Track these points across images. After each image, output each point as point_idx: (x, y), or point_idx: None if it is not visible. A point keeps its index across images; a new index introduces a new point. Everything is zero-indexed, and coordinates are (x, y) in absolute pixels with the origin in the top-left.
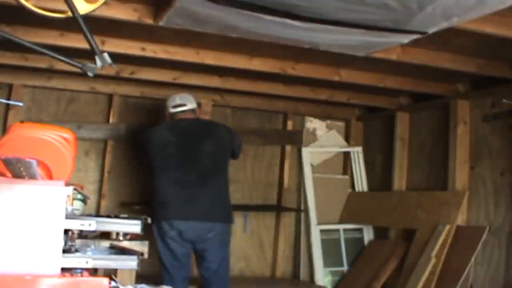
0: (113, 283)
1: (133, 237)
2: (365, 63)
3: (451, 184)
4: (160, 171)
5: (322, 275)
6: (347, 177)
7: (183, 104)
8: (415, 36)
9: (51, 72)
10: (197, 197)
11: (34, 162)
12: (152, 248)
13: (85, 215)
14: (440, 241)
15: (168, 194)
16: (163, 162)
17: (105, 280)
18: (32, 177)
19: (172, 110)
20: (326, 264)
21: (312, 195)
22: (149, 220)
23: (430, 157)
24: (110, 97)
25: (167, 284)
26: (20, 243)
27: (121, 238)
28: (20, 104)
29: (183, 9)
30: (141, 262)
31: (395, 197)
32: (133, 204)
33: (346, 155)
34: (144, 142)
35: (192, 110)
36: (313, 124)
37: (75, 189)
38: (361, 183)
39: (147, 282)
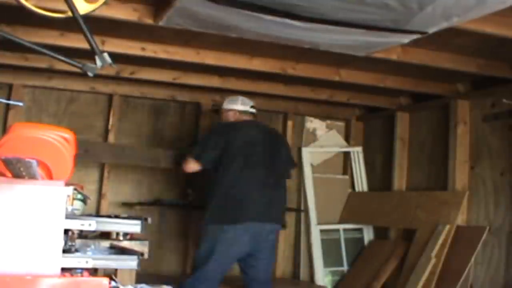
0: (113, 283)
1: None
2: (365, 63)
3: (451, 184)
4: (240, 169)
5: (322, 275)
6: (347, 177)
7: (255, 106)
8: (415, 36)
9: (51, 72)
10: (274, 199)
11: (34, 162)
12: (151, 248)
13: (85, 215)
14: (440, 241)
15: (248, 194)
16: (248, 159)
17: (105, 280)
18: (32, 177)
19: (248, 109)
20: (326, 264)
21: (312, 195)
22: (149, 220)
23: (430, 157)
24: (110, 97)
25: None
26: (20, 243)
27: (121, 238)
28: (20, 104)
29: (183, 9)
30: (141, 262)
31: (395, 197)
32: (136, 204)
33: (346, 155)
34: (227, 135)
35: (255, 116)
36: (313, 124)
37: (75, 189)
38: (361, 183)
39: (147, 282)
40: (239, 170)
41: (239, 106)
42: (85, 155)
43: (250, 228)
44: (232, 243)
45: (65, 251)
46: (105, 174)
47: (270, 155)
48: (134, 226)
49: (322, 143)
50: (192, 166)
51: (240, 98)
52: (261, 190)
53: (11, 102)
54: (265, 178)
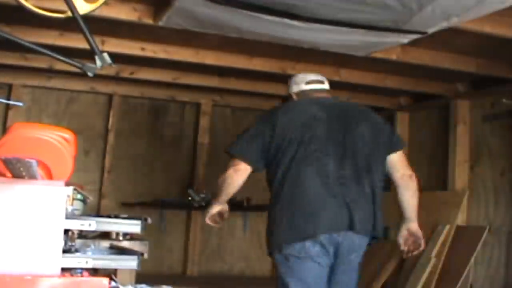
0: (113, 283)
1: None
2: (365, 63)
3: (451, 184)
4: (295, 164)
5: None
6: None
7: (321, 81)
8: (415, 36)
9: (51, 72)
10: (357, 199)
11: (34, 162)
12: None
13: (85, 215)
14: (440, 241)
15: (318, 195)
16: (309, 147)
17: (105, 280)
18: (32, 177)
19: (306, 87)
20: None
21: None
22: (149, 220)
23: (430, 157)
24: (110, 97)
25: None
26: (20, 243)
27: (121, 238)
28: (20, 104)
29: (183, 9)
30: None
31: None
32: (136, 204)
33: None
34: (274, 120)
35: (329, 91)
36: None
37: (75, 189)
38: None
39: (147, 282)
40: (293, 164)
41: (300, 84)
42: None
43: (326, 242)
44: (306, 261)
45: (65, 251)
46: (105, 174)
47: (346, 138)
48: (134, 226)
49: None
50: (231, 168)
51: (299, 76)
52: (328, 189)
53: (11, 102)
54: (340, 172)
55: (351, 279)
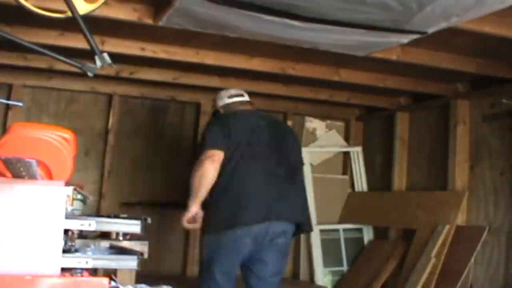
0: (113, 283)
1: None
2: (365, 63)
3: (451, 184)
4: (241, 162)
5: (322, 275)
6: (347, 177)
7: (241, 94)
8: (415, 36)
9: (51, 72)
10: (287, 193)
11: (34, 162)
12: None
13: (85, 215)
14: (440, 241)
15: (252, 189)
16: (255, 148)
17: (105, 280)
18: (32, 177)
19: (229, 101)
20: (326, 264)
21: (312, 195)
22: (149, 220)
23: (430, 157)
24: (110, 97)
25: None
26: (20, 243)
27: (121, 238)
28: (20, 104)
29: (183, 9)
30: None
31: (395, 197)
32: (136, 204)
33: (346, 155)
34: (228, 125)
35: (251, 103)
36: (313, 124)
37: (75, 189)
38: (361, 183)
39: (147, 282)
40: (240, 162)
41: (224, 99)
42: None
43: (254, 229)
44: (237, 244)
45: (65, 251)
46: (105, 174)
47: (279, 144)
48: (134, 226)
49: (322, 143)
50: (207, 159)
51: (221, 92)
52: (269, 184)
53: (11, 102)
54: (274, 169)
55: (279, 259)
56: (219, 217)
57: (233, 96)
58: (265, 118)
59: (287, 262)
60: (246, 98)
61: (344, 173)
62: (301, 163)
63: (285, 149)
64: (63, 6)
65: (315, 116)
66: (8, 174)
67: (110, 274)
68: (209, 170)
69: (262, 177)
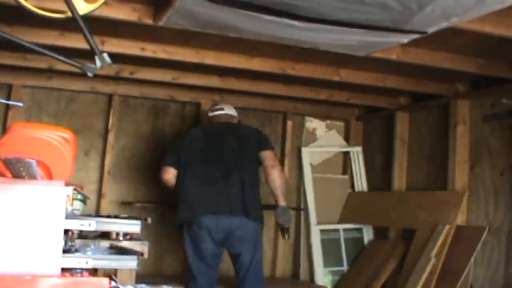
0: (113, 283)
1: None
2: (365, 63)
3: (451, 184)
4: (184, 168)
5: (322, 275)
6: (346, 177)
7: (221, 108)
8: (415, 36)
9: (51, 72)
10: (222, 192)
11: (34, 162)
12: (151, 248)
13: (85, 215)
14: (440, 241)
15: (195, 190)
16: (189, 156)
17: (105, 280)
18: (32, 177)
19: (210, 114)
20: (326, 264)
21: (312, 195)
22: (149, 220)
23: (430, 157)
24: (110, 97)
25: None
26: (20, 243)
27: (121, 238)
28: (20, 104)
29: (183, 9)
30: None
31: (395, 197)
32: (136, 204)
33: (346, 155)
34: (176, 140)
35: (230, 116)
36: (313, 124)
37: (75, 189)
38: (361, 183)
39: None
40: (183, 169)
41: (208, 113)
42: None
43: (203, 223)
44: (194, 235)
45: (65, 251)
46: (105, 174)
47: (215, 149)
48: (134, 226)
49: (321, 143)
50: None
51: (212, 106)
52: (205, 185)
53: (11, 102)
54: (207, 173)
55: (243, 247)
56: (183, 213)
57: (214, 110)
58: (207, 129)
59: (260, 252)
60: (223, 112)
61: (344, 173)
62: (247, 161)
63: (224, 152)
64: (63, 6)
65: (315, 116)
66: (8, 174)
67: (110, 274)
68: (163, 176)
69: (194, 180)
